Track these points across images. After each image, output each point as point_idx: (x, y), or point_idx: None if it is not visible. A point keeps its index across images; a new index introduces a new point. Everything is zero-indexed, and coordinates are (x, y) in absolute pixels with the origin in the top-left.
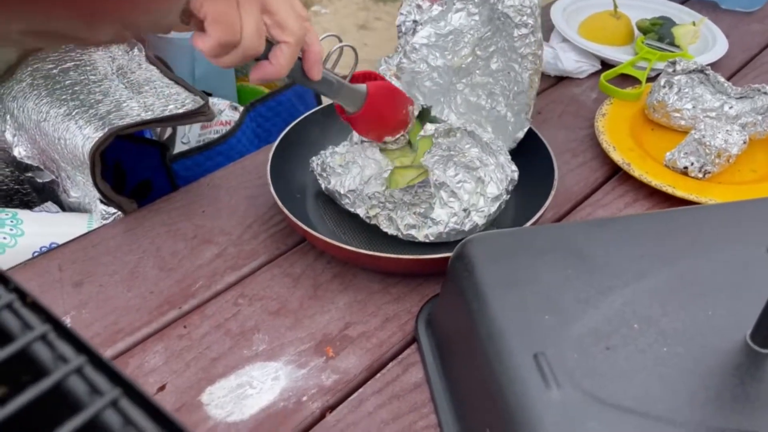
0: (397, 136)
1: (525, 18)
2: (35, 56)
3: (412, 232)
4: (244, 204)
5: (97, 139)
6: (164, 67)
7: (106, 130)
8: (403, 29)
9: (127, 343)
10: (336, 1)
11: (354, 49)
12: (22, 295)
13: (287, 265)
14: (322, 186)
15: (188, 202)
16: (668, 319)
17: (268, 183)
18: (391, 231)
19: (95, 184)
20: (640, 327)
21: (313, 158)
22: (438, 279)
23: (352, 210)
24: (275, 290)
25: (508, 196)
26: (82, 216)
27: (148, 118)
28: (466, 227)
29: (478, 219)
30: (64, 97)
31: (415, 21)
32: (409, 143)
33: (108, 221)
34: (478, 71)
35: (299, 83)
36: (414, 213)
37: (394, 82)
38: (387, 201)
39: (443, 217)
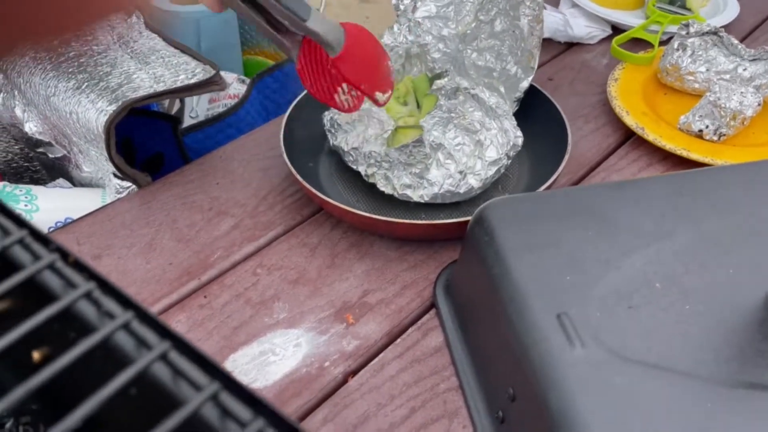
0: (387, 94)
1: None
2: None
3: (408, 192)
4: (258, 176)
5: (111, 112)
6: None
7: (120, 103)
8: (402, 7)
9: None
10: None
11: None
12: (64, 254)
13: (304, 235)
14: (330, 142)
15: (202, 175)
16: (690, 277)
17: (282, 154)
18: (387, 190)
19: (110, 158)
20: (662, 286)
21: (326, 113)
22: (454, 245)
23: (354, 168)
24: (293, 260)
25: (509, 161)
26: (96, 191)
27: (161, 89)
28: (462, 189)
29: (474, 182)
30: (70, 70)
31: None
32: (417, 103)
33: (122, 195)
34: (483, 35)
35: (275, 5)
36: (410, 173)
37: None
38: (383, 160)
39: (438, 179)
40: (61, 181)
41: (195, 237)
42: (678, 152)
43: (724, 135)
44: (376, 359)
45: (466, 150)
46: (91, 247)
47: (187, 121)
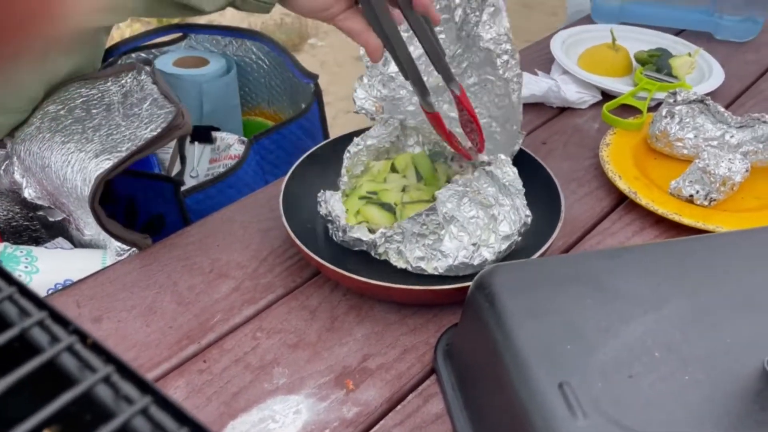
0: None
1: (504, 45)
2: (50, 98)
3: (422, 264)
4: (258, 237)
5: (90, 190)
6: (164, 84)
7: (96, 178)
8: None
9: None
10: (332, 34)
11: None
12: (83, 336)
13: (304, 297)
14: (334, 236)
15: (203, 236)
16: (688, 346)
17: (281, 216)
18: (400, 264)
19: (104, 229)
20: (661, 355)
21: (320, 200)
22: (454, 309)
23: (364, 249)
24: (293, 323)
25: (520, 238)
26: (96, 252)
27: (125, 155)
28: (476, 261)
29: (488, 255)
30: (63, 140)
31: None
32: (419, 175)
33: (123, 257)
34: None
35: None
36: (423, 245)
37: (378, 114)
38: (395, 233)
39: (452, 250)
40: (60, 240)
41: (195, 299)
42: (670, 217)
43: (715, 200)
44: (377, 426)
45: (479, 223)
46: (91, 309)
47: (188, 181)
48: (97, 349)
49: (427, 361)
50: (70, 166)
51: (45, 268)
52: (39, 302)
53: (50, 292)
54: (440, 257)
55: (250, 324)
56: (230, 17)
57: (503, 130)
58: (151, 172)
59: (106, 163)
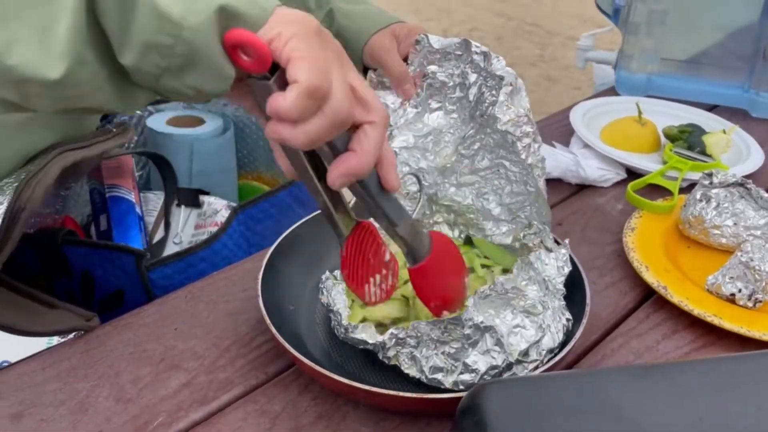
0: (456, 312)
1: (524, 127)
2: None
3: (438, 376)
4: (224, 321)
5: None
6: None
7: None
8: None
9: None
10: None
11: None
12: None
13: (265, 400)
14: (336, 332)
15: (160, 318)
16: None
17: (258, 296)
18: (413, 373)
19: (23, 333)
20: None
21: (322, 287)
22: (443, 423)
23: (370, 348)
24: None
25: (563, 353)
26: None
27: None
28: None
29: (522, 373)
30: None
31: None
32: None
33: (69, 337)
34: (465, 170)
35: (370, 202)
36: (442, 353)
37: None
38: (408, 336)
39: (480, 365)
40: None
41: (137, 396)
42: (708, 319)
43: (760, 301)
44: None
45: (525, 334)
46: (12, 402)
47: (170, 247)
48: None
49: None
50: None
51: None
52: None
53: None
54: (463, 370)
55: (196, 431)
56: None
57: (514, 220)
58: (112, 243)
59: None
